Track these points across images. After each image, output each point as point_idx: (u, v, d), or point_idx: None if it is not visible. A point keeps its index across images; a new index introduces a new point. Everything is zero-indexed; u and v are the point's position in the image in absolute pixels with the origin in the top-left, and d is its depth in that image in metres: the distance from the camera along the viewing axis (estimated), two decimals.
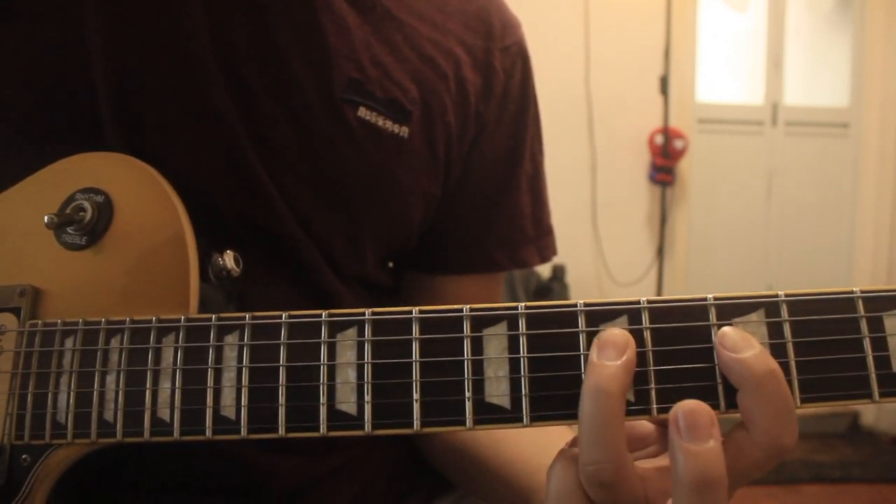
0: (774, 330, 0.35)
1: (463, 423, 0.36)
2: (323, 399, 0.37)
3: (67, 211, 0.44)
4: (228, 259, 0.47)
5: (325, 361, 0.37)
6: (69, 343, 0.41)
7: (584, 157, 3.11)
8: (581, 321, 0.36)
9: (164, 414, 0.39)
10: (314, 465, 0.57)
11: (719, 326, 0.35)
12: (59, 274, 0.44)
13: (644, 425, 0.40)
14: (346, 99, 0.53)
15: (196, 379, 0.39)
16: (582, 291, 3.03)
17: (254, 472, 0.54)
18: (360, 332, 0.37)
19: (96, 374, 0.40)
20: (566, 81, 3.02)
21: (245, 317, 0.39)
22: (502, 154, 0.63)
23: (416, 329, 0.37)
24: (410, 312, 0.37)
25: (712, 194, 3.31)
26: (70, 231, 0.44)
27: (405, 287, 0.65)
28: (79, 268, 0.43)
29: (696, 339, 0.35)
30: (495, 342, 0.36)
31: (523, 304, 0.37)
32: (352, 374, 0.37)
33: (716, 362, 0.35)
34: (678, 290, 3.18)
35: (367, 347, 0.37)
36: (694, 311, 0.36)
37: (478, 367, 0.36)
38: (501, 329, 0.37)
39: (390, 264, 0.65)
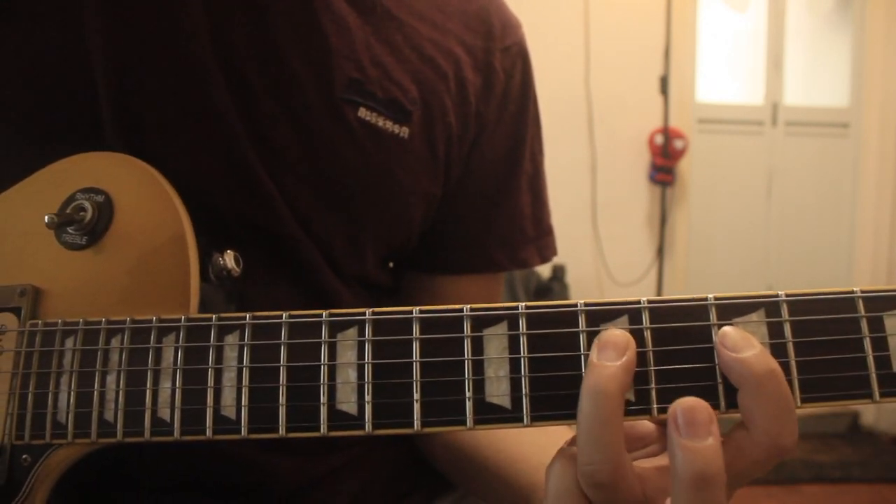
0: (775, 330, 0.35)
1: (463, 422, 0.36)
2: (323, 399, 0.37)
3: (68, 211, 0.44)
4: (229, 259, 0.47)
5: (326, 361, 0.37)
6: (69, 343, 0.41)
7: (584, 157, 3.11)
8: (581, 321, 0.36)
9: (164, 414, 0.39)
10: (314, 464, 0.57)
11: (720, 326, 0.35)
12: (59, 274, 0.44)
13: (644, 425, 0.40)
14: (347, 99, 0.53)
15: (196, 379, 0.39)
16: (582, 291, 3.03)
17: (254, 471, 0.54)
18: (361, 332, 0.37)
19: (97, 373, 0.40)
20: (566, 81, 3.02)
21: (245, 317, 0.39)
22: (502, 154, 0.63)
23: (416, 329, 0.37)
24: (411, 312, 0.37)
25: (712, 194, 3.31)
26: (70, 231, 0.44)
27: (405, 287, 0.65)
28: (79, 268, 0.43)
29: (696, 338, 0.35)
30: (496, 342, 0.36)
31: (523, 304, 0.37)
32: (352, 374, 0.37)
33: (716, 362, 0.35)
34: (678, 290, 3.18)
35: (368, 347, 0.37)
36: (694, 310, 0.36)
37: (478, 367, 0.36)
38: (502, 329, 0.37)
39: (390, 264, 0.65)
